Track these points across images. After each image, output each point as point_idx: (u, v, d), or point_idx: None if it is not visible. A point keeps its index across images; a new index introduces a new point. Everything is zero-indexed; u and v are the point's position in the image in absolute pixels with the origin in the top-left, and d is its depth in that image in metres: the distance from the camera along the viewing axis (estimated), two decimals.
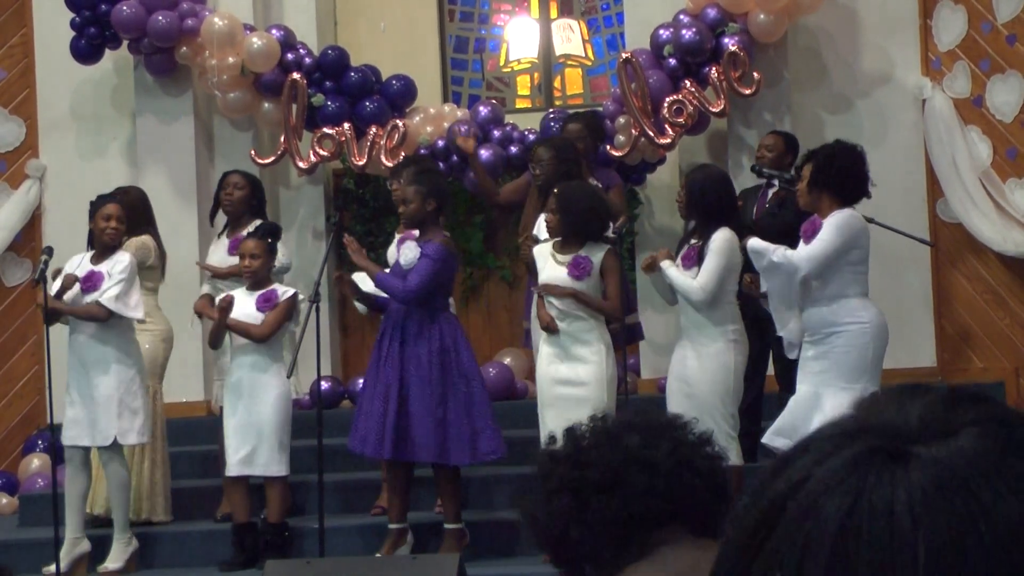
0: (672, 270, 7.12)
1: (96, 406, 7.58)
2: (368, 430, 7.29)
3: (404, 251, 7.32)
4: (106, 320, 7.58)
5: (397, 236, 8.09)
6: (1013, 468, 0.88)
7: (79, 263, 7.71)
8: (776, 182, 8.09)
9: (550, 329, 7.17)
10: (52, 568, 7.54)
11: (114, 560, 7.64)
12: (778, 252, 6.75)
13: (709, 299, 7.04)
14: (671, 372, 7.27)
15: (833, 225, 6.67)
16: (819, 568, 0.88)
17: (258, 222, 8.26)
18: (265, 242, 7.68)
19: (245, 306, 7.61)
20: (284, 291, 7.69)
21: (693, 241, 7.22)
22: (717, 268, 7.02)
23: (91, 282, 7.60)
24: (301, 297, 7.76)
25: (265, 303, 7.60)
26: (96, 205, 7.75)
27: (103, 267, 7.65)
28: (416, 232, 7.40)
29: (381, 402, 7.27)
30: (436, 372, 7.26)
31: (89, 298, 7.59)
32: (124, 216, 7.74)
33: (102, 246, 7.68)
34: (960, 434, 0.90)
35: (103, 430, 7.58)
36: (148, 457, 8.15)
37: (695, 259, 7.12)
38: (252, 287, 7.66)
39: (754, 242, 6.84)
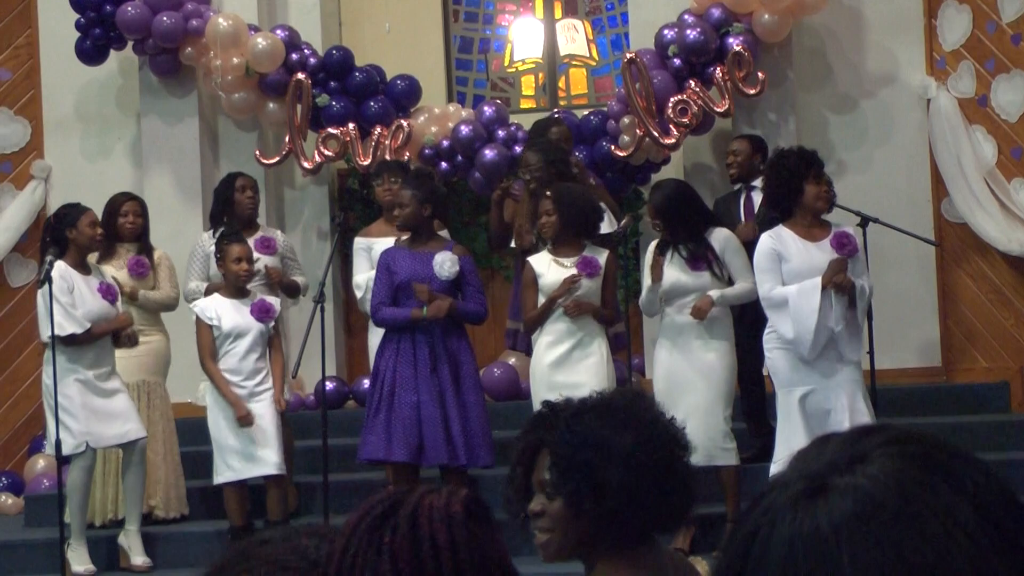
0: (727, 293, 7.19)
1: (127, 401, 7.63)
2: (428, 439, 7.27)
3: (445, 264, 7.33)
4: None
5: (360, 237, 8.14)
6: (914, 478, 1.05)
7: (70, 276, 7.56)
8: (756, 184, 8.25)
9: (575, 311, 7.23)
10: (90, 567, 7.57)
11: (142, 553, 7.65)
12: (864, 285, 6.91)
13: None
14: (664, 374, 7.26)
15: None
16: None
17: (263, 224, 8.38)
18: (248, 246, 7.74)
19: (240, 316, 7.58)
20: (276, 301, 7.75)
21: (688, 246, 7.24)
22: (748, 262, 7.19)
23: (112, 294, 7.66)
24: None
25: (265, 314, 7.59)
26: (75, 214, 7.67)
27: (101, 278, 7.71)
28: (452, 243, 7.54)
29: (435, 410, 7.28)
30: (477, 375, 7.51)
31: (117, 308, 7.65)
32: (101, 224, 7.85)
33: (86, 256, 7.68)
34: (869, 459, 1.06)
35: (138, 425, 7.63)
36: (173, 453, 8.21)
37: (706, 261, 7.21)
38: (236, 294, 7.65)
39: (860, 285, 6.88)
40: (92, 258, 7.88)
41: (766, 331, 7.01)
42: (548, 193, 7.33)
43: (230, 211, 8.34)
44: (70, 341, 7.44)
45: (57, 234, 7.62)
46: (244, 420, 7.49)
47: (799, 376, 6.89)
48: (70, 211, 7.66)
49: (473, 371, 7.46)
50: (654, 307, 7.34)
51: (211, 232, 8.40)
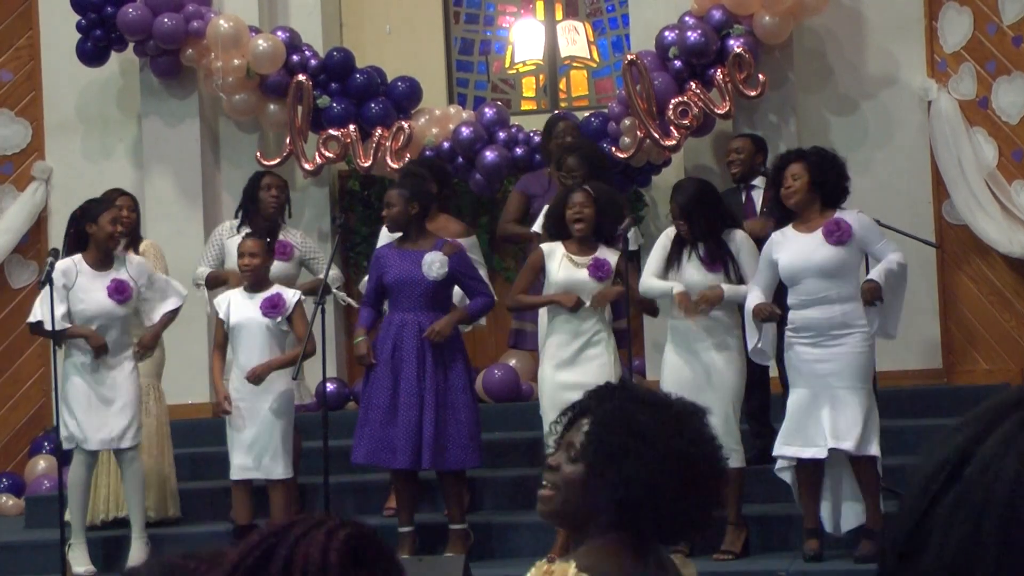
0: (739, 289, 7.17)
1: (127, 406, 7.61)
2: (399, 440, 7.26)
3: (433, 266, 7.31)
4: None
5: (383, 233, 8.16)
6: None
7: (75, 271, 7.58)
8: (757, 183, 8.29)
9: (577, 305, 7.19)
10: (90, 567, 7.58)
11: (140, 558, 7.65)
12: (896, 266, 6.97)
13: None
14: (673, 373, 7.26)
15: (876, 226, 7.12)
16: (996, 520, 0.99)
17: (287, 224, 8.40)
18: (264, 242, 7.67)
19: (248, 310, 7.58)
20: (291, 295, 7.67)
21: (708, 245, 7.24)
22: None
23: (124, 291, 7.60)
24: (304, 297, 7.78)
25: (272, 309, 7.57)
26: (101, 206, 7.68)
27: (120, 273, 7.64)
28: (441, 241, 7.47)
29: (416, 412, 7.26)
30: (470, 377, 7.45)
31: (127, 307, 7.60)
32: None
33: (107, 252, 7.66)
34: None
35: (137, 428, 7.62)
36: (165, 455, 8.20)
37: (723, 262, 7.22)
38: (252, 288, 7.64)
39: (882, 278, 6.88)
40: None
41: (787, 326, 7.03)
42: (586, 187, 7.31)
43: (255, 209, 8.37)
44: (38, 331, 7.66)
45: (78, 227, 7.66)
46: (219, 408, 7.62)
47: (807, 374, 6.91)
48: (92, 206, 7.70)
49: (462, 372, 7.38)
50: (654, 296, 7.33)
51: (232, 223, 8.44)
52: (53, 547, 7.65)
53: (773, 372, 8.09)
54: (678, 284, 7.23)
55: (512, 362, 9.40)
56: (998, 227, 9.24)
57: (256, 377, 7.49)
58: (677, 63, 9.12)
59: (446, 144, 9.41)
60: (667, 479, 2.47)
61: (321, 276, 8.20)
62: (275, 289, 7.66)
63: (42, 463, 9.56)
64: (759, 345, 7.06)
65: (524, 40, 10.73)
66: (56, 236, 9.79)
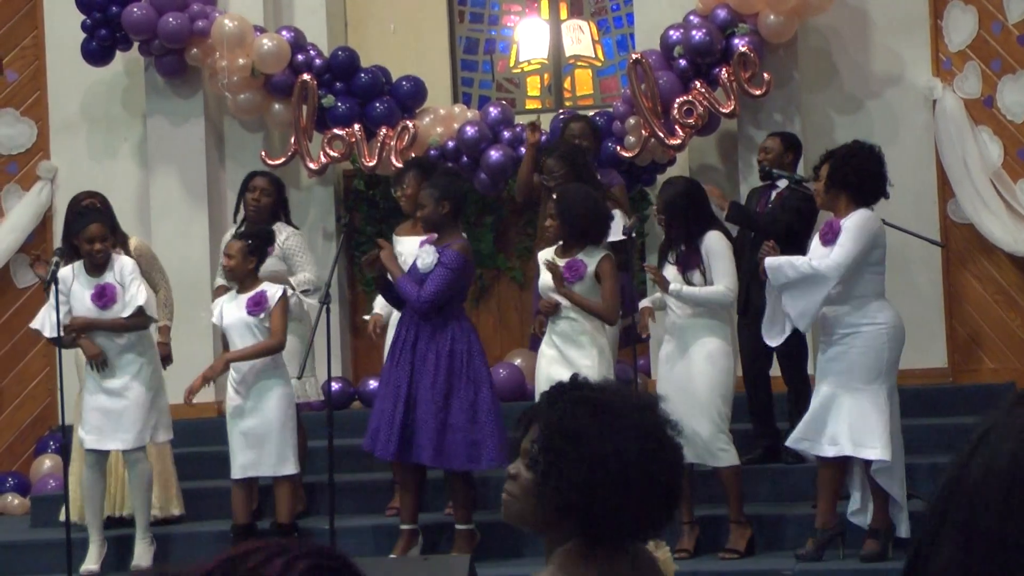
0: (687, 290, 7.13)
1: (129, 407, 7.61)
2: (378, 429, 7.32)
3: (422, 255, 7.32)
4: (146, 327, 7.67)
5: (394, 235, 8.15)
6: None
7: (72, 277, 7.62)
8: (779, 184, 8.15)
9: (549, 311, 7.22)
10: (92, 567, 7.60)
11: (143, 558, 7.67)
12: (801, 264, 6.78)
13: (735, 298, 7.15)
14: (664, 374, 7.29)
15: (854, 228, 6.79)
16: (998, 492, 1.26)
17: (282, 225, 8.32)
18: (245, 243, 7.61)
19: (236, 310, 7.59)
20: (274, 291, 7.63)
21: (683, 247, 7.24)
22: (731, 268, 7.17)
23: (106, 296, 7.60)
24: (291, 293, 7.76)
25: (255, 307, 7.56)
26: (77, 225, 7.65)
27: (108, 277, 7.64)
28: (434, 235, 7.41)
29: (391, 402, 7.30)
30: (443, 375, 7.28)
31: (112, 312, 7.58)
32: (108, 233, 7.69)
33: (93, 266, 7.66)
34: None
35: (139, 431, 7.62)
36: (167, 454, 8.22)
37: (697, 263, 7.19)
38: (240, 289, 7.64)
39: (770, 260, 6.87)
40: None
41: None
42: (555, 195, 7.32)
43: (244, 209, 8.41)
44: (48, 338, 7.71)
45: (67, 235, 7.70)
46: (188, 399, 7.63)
47: (823, 372, 6.94)
48: (76, 220, 7.73)
49: (434, 367, 7.27)
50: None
51: (233, 230, 8.46)
52: (58, 546, 7.66)
53: (776, 372, 8.09)
54: (646, 300, 7.40)
55: (517, 361, 9.40)
56: (1003, 226, 9.24)
57: (214, 373, 7.54)
58: (682, 62, 9.11)
59: (451, 143, 9.42)
60: (604, 480, 2.44)
61: (292, 279, 8.14)
62: (261, 287, 7.64)
63: (47, 462, 9.57)
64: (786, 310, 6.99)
65: (529, 39, 10.73)
66: (61, 236, 9.79)
